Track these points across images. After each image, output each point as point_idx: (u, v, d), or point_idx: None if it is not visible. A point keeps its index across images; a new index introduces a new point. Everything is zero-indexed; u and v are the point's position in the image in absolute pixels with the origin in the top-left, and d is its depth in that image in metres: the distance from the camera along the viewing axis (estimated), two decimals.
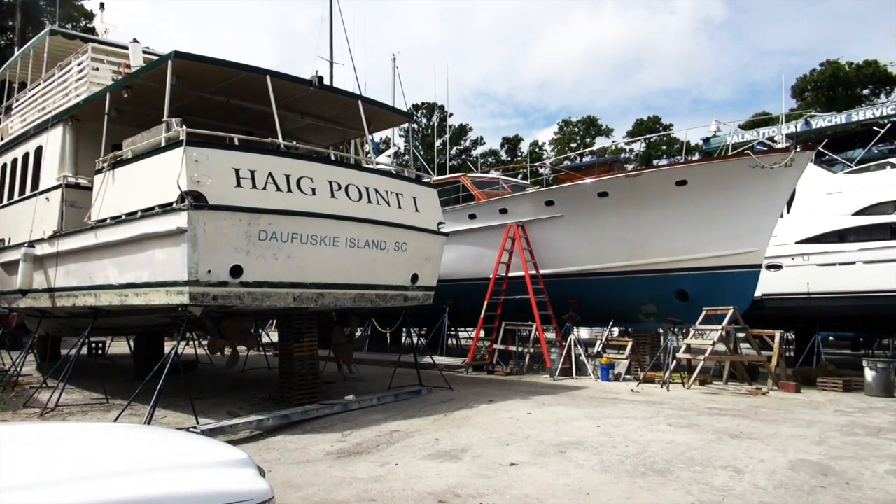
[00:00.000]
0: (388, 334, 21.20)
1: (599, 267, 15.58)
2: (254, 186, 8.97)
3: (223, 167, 8.77)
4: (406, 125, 15.23)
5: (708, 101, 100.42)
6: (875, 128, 19.58)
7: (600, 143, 65.41)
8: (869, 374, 12.54)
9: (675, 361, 13.62)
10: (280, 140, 9.72)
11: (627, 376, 14.66)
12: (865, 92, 52.28)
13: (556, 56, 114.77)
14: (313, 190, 9.61)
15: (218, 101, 11.35)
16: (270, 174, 9.17)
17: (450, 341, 24.24)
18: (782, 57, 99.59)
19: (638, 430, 8.54)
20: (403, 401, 11.19)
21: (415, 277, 11.48)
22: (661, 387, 13.08)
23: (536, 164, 21.76)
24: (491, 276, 16.70)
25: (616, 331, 19.26)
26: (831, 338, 27.84)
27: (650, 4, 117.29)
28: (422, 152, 52.55)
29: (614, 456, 7.16)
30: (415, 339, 22.10)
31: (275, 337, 17.40)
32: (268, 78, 10.04)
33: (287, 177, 9.36)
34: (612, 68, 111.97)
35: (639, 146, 63.74)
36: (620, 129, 78.79)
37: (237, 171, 8.87)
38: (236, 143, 9.19)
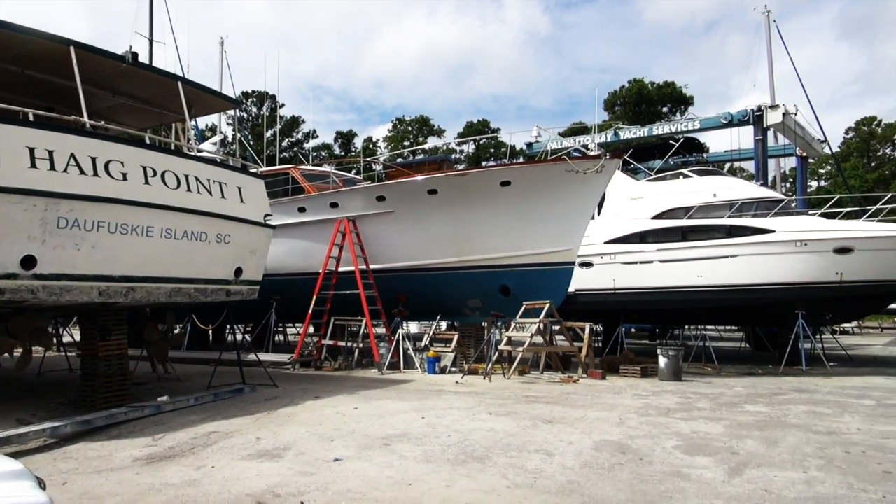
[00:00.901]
0: (211, 331, 20.12)
1: (428, 262, 15.93)
2: (52, 168, 8.07)
3: (14, 145, 7.79)
4: (232, 112, 14.52)
5: (532, 109, 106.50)
6: (671, 141, 21.91)
7: (432, 142, 66.91)
8: (662, 361, 14.00)
9: (497, 353, 14.29)
10: (85, 119, 8.82)
11: (453, 368, 15.14)
12: (664, 109, 58.30)
13: (392, 55, 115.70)
14: (124, 175, 8.84)
15: (11, 70, 10.05)
16: (73, 156, 8.30)
17: (277, 338, 23.53)
18: (597, 73, 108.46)
19: (460, 420, 8.83)
20: (224, 400, 10.66)
21: (238, 271, 10.97)
22: (484, 378, 13.66)
23: (369, 159, 21.77)
24: (320, 271, 16.44)
25: (444, 325, 19.82)
26: (633, 329, 30.79)
27: (483, 13, 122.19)
28: (251, 142, 50.41)
29: (437, 446, 7.34)
30: (239, 336, 21.19)
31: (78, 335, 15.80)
32: (71, 49, 9.08)
33: (93, 159, 8.52)
34: (446, 71, 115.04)
35: (468, 147, 66.06)
36: (452, 130, 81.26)
37: (32, 150, 7.92)
38: (31, 118, 8.20)
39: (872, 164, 71.24)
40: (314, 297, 16.29)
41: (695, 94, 77.67)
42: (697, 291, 17.46)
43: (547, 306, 14.25)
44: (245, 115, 65.69)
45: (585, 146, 16.48)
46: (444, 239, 15.48)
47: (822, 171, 69.78)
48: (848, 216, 18.08)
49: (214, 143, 22.59)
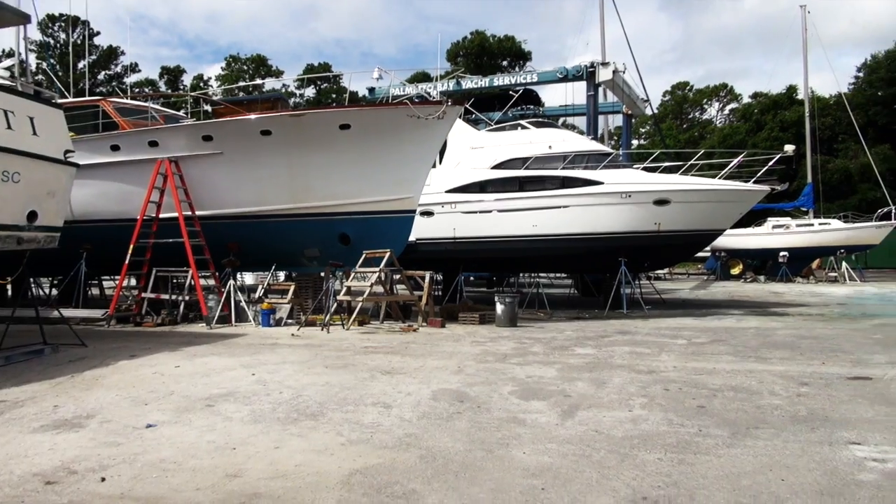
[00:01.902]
0: (9, 285, 17.68)
1: (261, 209, 14.95)
2: None
3: None
4: (22, 28, 12.47)
5: (376, 56, 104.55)
6: (511, 92, 22.23)
7: (270, 84, 63.47)
8: (499, 308, 14.30)
9: (335, 304, 13.82)
10: None
11: (290, 321, 14.47)
12: (504, 63, 59.54)
13: None
14: None
15: None
16: None
17: (94, 291, 21.33)
18: (441, 24, 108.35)
19: (294, 375, 8.32)
20: (17, 364, 9.28)
21: (32, 215, 9.49)
22: (322, 329, 13.16)
23: (196, 94, 19.90)
24: (138, 217, 14.84)
25: (282, 275, 18.93)
26: (472, 277, 31.61)
27: None
28: (60, 73, 44.75)
29: (267, 404, 6.81)
30: (46, 291, 18.87)
31: None
32: None
33: None
34: (288, 10, 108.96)
35: (309, 91, 63.50)
36: (292, 73, 77.50)
37: None
38: None
39: (684, 125, 78.09)
40: (131, 247, 14.70)
41: (533, 50, 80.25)
42: (533, 240, 18.04)
43: (387, 255, 13.96)
44: (52, 42, 58.11)
45: (428, 93, 16.14)
46: (279, 184, 14.56)
47: (643, 130, 75.34)
48: (666, 171, 19.43)
49: (8, 68, 19.52)
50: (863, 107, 47.84)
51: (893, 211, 32.04)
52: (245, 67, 68.94)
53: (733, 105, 79.16)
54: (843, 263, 30.95)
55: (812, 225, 32.47)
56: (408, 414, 6.44)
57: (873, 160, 43.98)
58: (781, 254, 30.94)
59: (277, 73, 68.93)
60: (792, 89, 60.36)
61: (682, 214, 17.72)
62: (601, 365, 9.00)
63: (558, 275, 28.95)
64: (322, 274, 15.62)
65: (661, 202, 17.59)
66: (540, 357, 9.75)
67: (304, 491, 4.40)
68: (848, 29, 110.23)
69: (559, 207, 17.95)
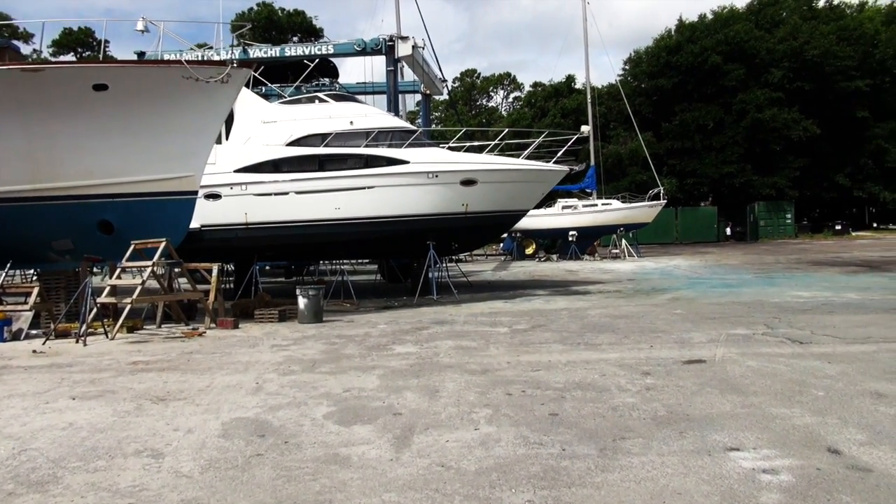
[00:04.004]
0: None
1: None
2: None
3: None
4: None
5: (152, 29, 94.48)
6: (306, 62, 20.30)
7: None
8: (301, 302, 12.59)
9: (95, 308, 11.16)
10: None
11: (34, 332, 11.49)
12: (295, 39, 56.49)
13: None
14: None
15: None
16: None
17: None
18: None
19: (22, 417, 6.04)
20: None
21: None
22: (78, 342, 10.48)
23: None
24: None
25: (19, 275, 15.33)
26: (268, 267, 29.08)
27: None
28: None
29: None
30: None
31: None
32: None
33: None
34: None
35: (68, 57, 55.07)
36: (45, 38, 66.84)
37: None
38: None
39: (472, 112, 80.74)
40: None
41: (325, 31, 77.63)
42: (336, 224, 16.46)
43: (162, 245, 11.56)
44: None
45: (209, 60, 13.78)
46: (14, 158, 11.42)
47: (435, 114, 76.49)
48: (471, 150, 18.86)
49: None
50: (629, 97, 52.40)
51: (661, 192, 35.22)
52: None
53: (516, 94, 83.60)
54: (623, 241, 33.38)
55: (596, 205, 34.62)
56: (187, 464, 4.67)
57: (640, 146, 48.46)
58: (571, 233, 32.54)
59: (25, 36, 58.92)
60: (570, 79, 64.75)
61: (489, 195, 17.24)
62: (428, 366, 7.79)
63: (362, 260, 27.65)
64: (79, 271, 12.71)
65: (468, 182, 16.93)
66: (356, 361, 8.30)
67: None
68: (606, 31, 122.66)
69: (363, 188, 16.55)
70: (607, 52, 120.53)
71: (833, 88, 50.61)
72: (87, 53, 56.79)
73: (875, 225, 58.07)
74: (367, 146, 16.82)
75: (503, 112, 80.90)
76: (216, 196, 16.46)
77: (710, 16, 57.12)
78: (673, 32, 57.87)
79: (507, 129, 19.25)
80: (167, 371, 7.94)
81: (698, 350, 8.31)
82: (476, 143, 19.36)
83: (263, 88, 20.47)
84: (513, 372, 7.36)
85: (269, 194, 16.56)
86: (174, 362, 8.54)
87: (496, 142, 18.49)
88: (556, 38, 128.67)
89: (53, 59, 32.33)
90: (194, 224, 15.80)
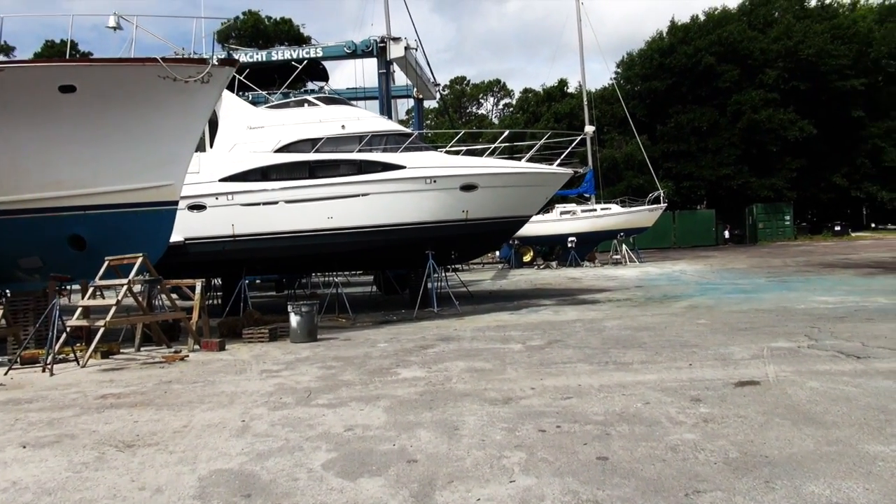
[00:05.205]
0: None
1: None
2: None
3: None
4: None
5: (140, 43, 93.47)
6: (294, 63, 19.34)
7: None
8: (294, 320, 11.56)
9: (65, 332, 10.09)
10: None
11: None
12: (282, 48, 55.55)
13: None
14: None
15: None
16: None
17: None
18: (212, 10, 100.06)
19: None
20: None
21: None
22: (45, 370, 9.40)
23: None
24: None
25: None
26: (258, 281, 27.95)
27: None
28: None
29: None
30: None
31: None
32: None
33: None
34: None
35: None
36: (26, 52, 65.54)
37: None
38: None
39: (462, 119, 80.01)
40: None
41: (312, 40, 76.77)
42: (329, 234, 15.45)
43: (139, 261, 10.51)
44: None
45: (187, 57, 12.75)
46: None
47: (428, 122, 75.75)
48: (469, 154, 17.90)
49: None
50: (623, 100, 51.73)
51: (661, 195, 34.35)
52: None
53: (507, 100, 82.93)
54: (624, 246, 32.49)
55: (595, 210, 33.69)
56: None
57: (635, 150, 47.70)
58: (570, 239, 31.59)
59: (6, 49, 57.68)
60: (563, 82, 64.04)
61: (490, 200, 16.28)
62: (441, 395, 6.78)
63: (356, 272, 26.60)
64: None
65: (468, 187, 15.98)
66: (357, 389, 7.28)
67: None
68: (592, 38, 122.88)
69: (358, 196, 15.55)
70: (598, 56, 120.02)
71: (828, 88, 50.07)
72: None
73: (874, 225, 57.48)
74: (360, 151, 15.84)
75: (494, 119, 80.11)
76: (201, 207, 15.42)
77: (702, 17, 56.58)
78: (665, 34, 57.25)
79: (507, 131, 18.27)
80: (139, 407, 6.89)
81: (745, 368, 7.34)
82: (476, 146, 18.42)
83: (251, 96, 19.50)
84: (540, 400, 6.36)
85: (258, 204, 15.54)
86: (149, 395, 7.49)
87: (496, 144, 17.52)
88: (544, 47, 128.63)
89: (13, 59, 30.97)
90: (178, 237, 14.79)
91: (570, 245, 31.71)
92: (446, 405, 6.33)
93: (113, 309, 10.24)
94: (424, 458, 4.83)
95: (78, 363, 9.86)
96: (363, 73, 26.51)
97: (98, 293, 11.05)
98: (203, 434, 5.75)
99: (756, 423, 5.31)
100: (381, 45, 21.34)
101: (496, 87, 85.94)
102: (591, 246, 33.97)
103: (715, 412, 5.66)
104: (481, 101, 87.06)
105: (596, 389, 6.68)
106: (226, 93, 16.09)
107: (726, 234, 50.34)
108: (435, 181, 15.74)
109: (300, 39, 56.29)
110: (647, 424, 5.40)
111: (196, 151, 14.40)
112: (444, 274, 19.41)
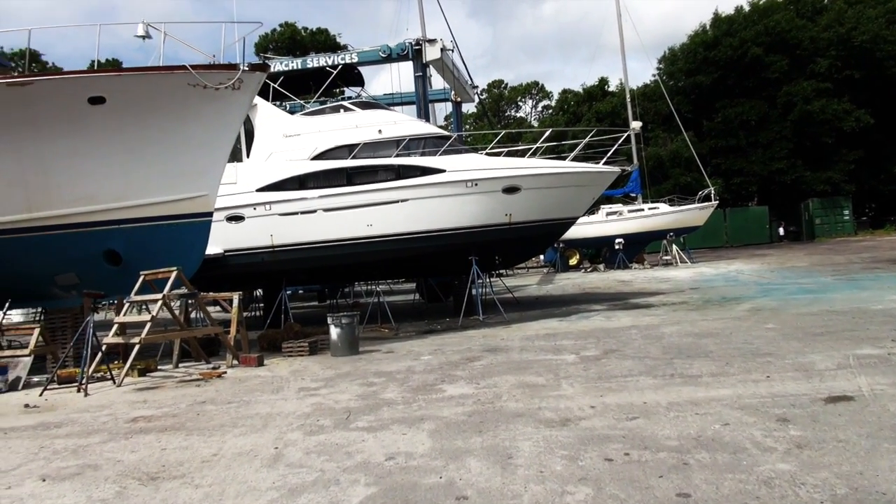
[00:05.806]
0: None
1: None
2: None
3: None
4: None
5: (183, 60, 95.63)
6: (328, 68, 19.02)
7: None
8: (334, 332, 11.10)
9: (100, 351, 9.81)
10: None
11: (35, 379, 10.18)
12: (317, 55, 55.84)
13: None
14: None
15: None
16: None
17: None
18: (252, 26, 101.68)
19: None
20: None
21: None
22: (80, 391, 9.11)
23: None
24: None
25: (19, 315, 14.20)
26: (301, 291, 27.79)
27: None
28: None
29: None
30: None
31: None
32: None
33: None
34: (83, 12, 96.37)
35: None
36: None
37: None
38: None
39: (501, 123, 79.26)
40: None
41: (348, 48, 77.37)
42: (368, 242, 15.01)
43: (174, 275, 10.18)
44: None
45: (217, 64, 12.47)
46: (2, 185, 10.17)
47: (467, 126, 75.35)
48: (510, 155, 17.25)
49: None
50: (668, 96, 50.32)
51: (712, 193, 33.05)
52: (15, 64, 58.60)
53: (545, 102, 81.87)
54: (674, 246, 31.32)
55: (643, 210, 32.59)
56: None
57: (681, 147, 46.26)
58: (617, 241, 30.59)
59: (35, 58, 59.12)
60: (604, 81, 62.76)
61: (534, 202, 15.62)
62: (491, 416, 6.16)
63: (398, 280, 26.20)
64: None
65: (511, 190, 15.36)
66: (399, 410, 6.71)
67: None
68: (632, 37, 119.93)
69: (397, 202, 15.08)
70: (638, 55, 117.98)
71: (885, 75, 47.71)
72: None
73: None
74: (398, 156, 15.38)
75: (533, 122, 79.15)
76: (239, 218, 15.17)
77: (746, 7, 54.68)
78: (708, 27, 55.55)
79: (549, 130, 17.56)
80: (169, 431, 6.45)
81: (832, 381, 6.52)
82: (517, 147, 17.77)
83: (288, 105, 19.27)
84: (602, 421, 5.69)
85: (296, 213, 15.21)
86: (180, 417, 7.06)
87: (538, 144, 16.85)
88: (580, 48, 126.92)
89: (42, 71, 31.49)
90: (217, 249, 14.57)
91: (617, 247, 30.71)
92: (497, 428, 5.72)
93: (147, 325, 9.92)
94: (475, 495, 4.23)
95: (114, 382, 9.56)
96: (399, 78, 26.17)
97: (143, 307, 10.77)
98: (233, 464, 5.25)
99: (861, 448, 4.55)
100: (417, 47, 20.85)
101: (534, 90, 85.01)
102: (639, 247, 32.86)
103: (808, 435, 4.90)
104: (520, 103, 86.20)
105: (664, 408, 5.97)
106: (261, 102, 15.86)
107: (781, 231, 48.36)
108: (476, 184, 15.16)
109: (337, 49, 56.58)
110: (731, 451, 4.68)
111: (233, 161, 14.21)
112: (488, 280, 18.80)
